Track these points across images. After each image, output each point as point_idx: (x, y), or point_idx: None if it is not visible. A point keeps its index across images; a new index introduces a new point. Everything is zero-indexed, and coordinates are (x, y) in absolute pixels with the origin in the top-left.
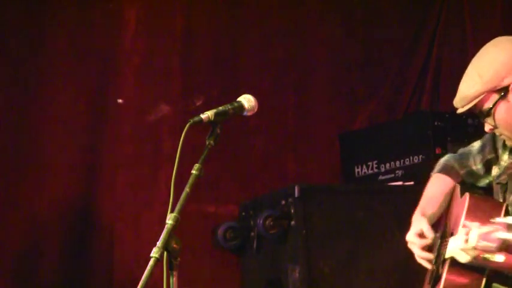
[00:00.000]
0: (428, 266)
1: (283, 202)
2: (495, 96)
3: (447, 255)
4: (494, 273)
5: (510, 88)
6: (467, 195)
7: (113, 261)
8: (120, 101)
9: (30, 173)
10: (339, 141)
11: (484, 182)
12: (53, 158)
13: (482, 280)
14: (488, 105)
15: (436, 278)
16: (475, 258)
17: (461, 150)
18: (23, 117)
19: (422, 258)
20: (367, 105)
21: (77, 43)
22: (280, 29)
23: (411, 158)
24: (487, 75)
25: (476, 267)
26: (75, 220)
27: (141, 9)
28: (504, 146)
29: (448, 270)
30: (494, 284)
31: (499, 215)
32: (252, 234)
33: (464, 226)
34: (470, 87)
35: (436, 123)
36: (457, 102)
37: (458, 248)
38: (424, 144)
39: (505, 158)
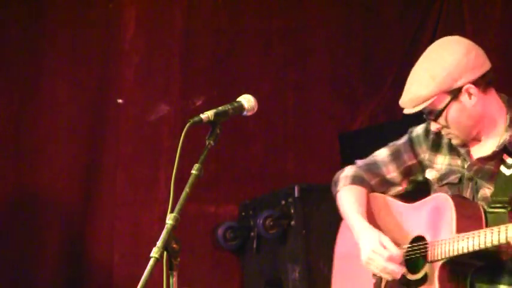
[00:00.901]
0: (389, 277)
1: (283, 202)
2: (447, 97)
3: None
4: (476, 273)
5: (463, 89)
6: (447, 197)
7: (113, 261)
8: (120, 101)
9: (30, 173)
10: (339, 141)
11: (396, 190)
12: (53, 158)
13: (467, 280)
14: (440, 106)
15: (407, 283)
16: None
17: (364, 161)
18: (23, 117)
19: (390, 270)
20: (367, 105)
21: (77, 43)
22: (280, 29)
23: None
24: (440, 77)
25: (461, 269)
26: (75, 219)
27: (141, 9)
28: (436, 148)
29: (440, 272)
30: (477, 284)
31: (479, 213)
32: (252, 234)
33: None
34: (422, 89)
35: None
36: (405, 102)
37: None
38: None
39: (440, 160)
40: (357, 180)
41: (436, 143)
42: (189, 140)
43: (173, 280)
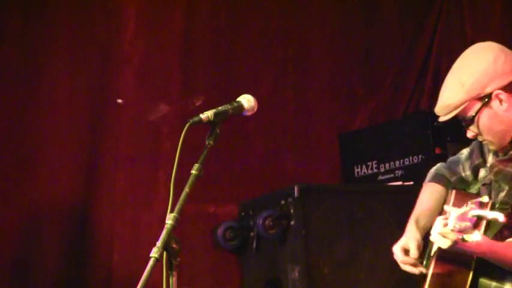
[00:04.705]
0: (415, 271)
1: (282, 202)
2: (478, 104)
3: (433, 248)
4: (480, 267)
5: (493, 95)
6: (453, 191)
7: (113, 261)
8: (120, 101)
9: (30, 173)
10: (339, 141)
11: (474, 188)
12: (53, 158)
13: (469, 274)
14: (471, 113)
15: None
16: (455, 241)
17: (451, 158)
18: (23, 117)
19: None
20: (367, 105)
21: (76, 43)
22: (280, 29)
23: (411, 158)
24: (469, 84)
25: (462, 261)
26: (75, 220)
27: (141, 9)
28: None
29: (435, 266)
30: (481, 279)
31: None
32: (252, 234)
33: (443, 213)
34: (452, 96)
35: (435, 123)
36: (438, 110)
37: (436, 233)
38: (424, 144)
39: (490, 160)
40: (436, 177)
41: None
42: (189, 140)
43: (173, 280)
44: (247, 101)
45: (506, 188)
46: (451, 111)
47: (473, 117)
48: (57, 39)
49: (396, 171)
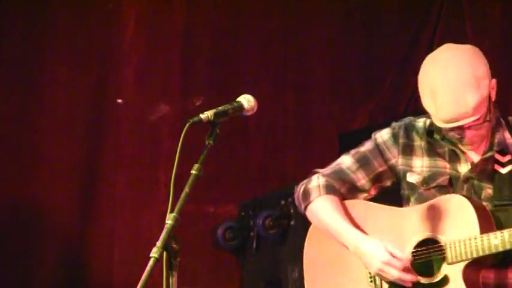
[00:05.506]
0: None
1: (282, 202)
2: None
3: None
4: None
5: (492, 84)
6: (472, 208)
7: (113, 261)
8: (120, 101)
9: (29, 173)
10: (339, 141)
11: (362, 197)
12: (53, 158)
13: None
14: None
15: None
16: None
17: (332, 169)
18: (23, 117)
19: (405, 280)
20: (367, 105)
21: (76, 43)
22: (280, 29)
23: None
24: (484, 74)
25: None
26: (75, 220)
27: (141, 9)
28: (408, 151)
29: (465, 272)
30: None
31: (487, 212)
32: (252, 234)
33: None
34: (476, 93)
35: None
36: (461, 115)
37: None
38: None
39: (418, 163)
40: (329, 189)
41: (407, 147)
42: (189, 140)
43: (173, 280)
44: (247, 101)
45: (490, 186)
46: (482, 108)
47: (487, 109)
48: (57, 39)
49: None
